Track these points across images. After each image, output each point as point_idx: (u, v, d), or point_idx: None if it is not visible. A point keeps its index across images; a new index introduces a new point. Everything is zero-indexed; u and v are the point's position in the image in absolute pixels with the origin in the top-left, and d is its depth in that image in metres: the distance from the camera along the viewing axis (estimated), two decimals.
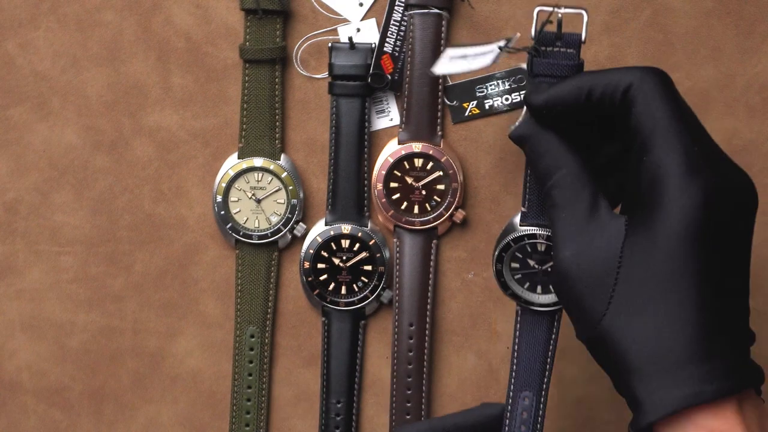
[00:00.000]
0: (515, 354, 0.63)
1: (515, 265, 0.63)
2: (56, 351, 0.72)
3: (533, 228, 0.62)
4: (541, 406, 0.63)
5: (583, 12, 0.58)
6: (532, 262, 0.63)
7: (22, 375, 0.72)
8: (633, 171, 0.54)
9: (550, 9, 0.58)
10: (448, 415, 0.62)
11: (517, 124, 0.58)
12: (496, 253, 0.63)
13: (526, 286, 0.63)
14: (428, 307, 0.70)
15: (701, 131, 0.55)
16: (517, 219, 0.62)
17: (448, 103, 0.70)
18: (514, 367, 0.63)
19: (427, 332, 0.70)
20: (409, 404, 0.71)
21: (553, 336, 0.63)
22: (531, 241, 0.62)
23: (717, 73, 0.70)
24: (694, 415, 0.51)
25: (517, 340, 0.63)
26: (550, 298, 0.62)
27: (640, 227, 0.53)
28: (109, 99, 0.71)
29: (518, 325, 0.63)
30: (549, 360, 0.63)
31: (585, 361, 0.71)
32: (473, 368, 0.71)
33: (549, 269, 0.62)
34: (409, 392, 0.71)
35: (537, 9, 0.58)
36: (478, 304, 0.71)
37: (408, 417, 0.71)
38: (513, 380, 0.63)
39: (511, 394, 0.63)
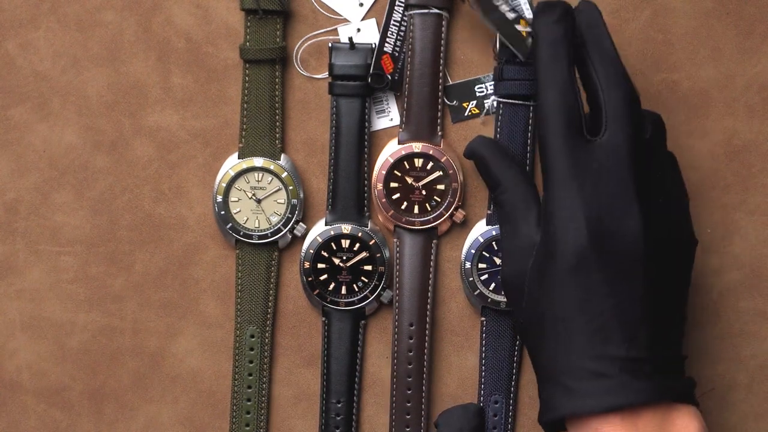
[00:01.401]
0: (483, 361, 0.70)
1: (482, 265, 0.69)
2: (56, 351, 0.72)
3: (498, 227, 0.68)
4: (511, 407, 0.70)
5: None
6: (498, 260, 0.69)
7: (22, 375, 0.72)
8: None
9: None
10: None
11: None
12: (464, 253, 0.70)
13: (491, 288, 0.69)
14: (428, 307, 0.70)
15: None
16: (482, 222, 0.70)
17: (448, 102, 0.70)
18: (483, 373, 0.70)
19: (427, 332, 0.70)
20: (409, 404, 0.71)
21: (518, 342, 0.70)
22: (497, 239, 0.68)
23: (717, 73, 0.70)
24: (584, 419, 0.57)
25: (483, 349, 0.70)
26: None
27: (542, 257, 0.60)
28: (110, 99, 0.71)
29: (484, 335, 0.70)
30: (515, 364, 0.70)
31: None
32: (473, 368, 0.71)
33: None
34: (409, 392, 0.71)
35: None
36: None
37: (408, 417, 0.71)
38: (482, 385, 0.70)
39: (481, 398, 0.70)
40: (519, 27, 0.66)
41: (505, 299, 0.64)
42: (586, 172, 0.59)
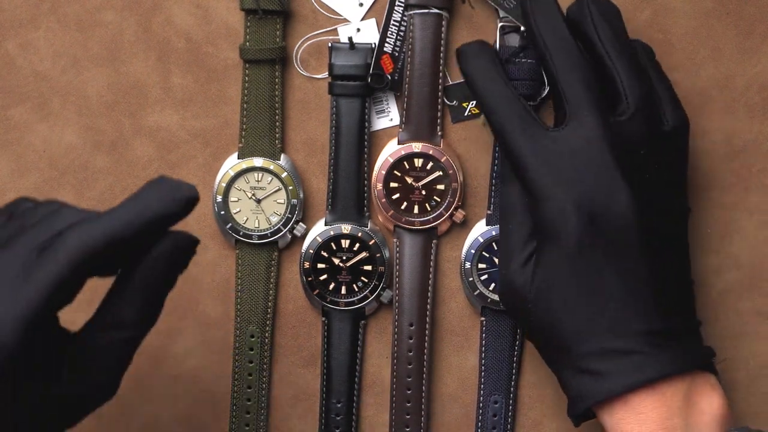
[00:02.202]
0: (482, 361, 0.70)
1: (482, 265, 0.69)
2: None
3: (497, 227, 0.68)
4: (511, 407, 0.70)
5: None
6: (497, 260, 0.69)
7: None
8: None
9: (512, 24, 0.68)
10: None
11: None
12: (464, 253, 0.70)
13: (491, 288, 0.69)
14: (428, 307, 0.70)
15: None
16: (482, 223, 0.70)
17: (448, 103, 0.70)
18: (483, 373, 0.71)
19: (427, 332, 0.70)
20: (409, 404, 0.71)
21: (518, 342, 0.70)
22: (497, 239, 0.68)
23: (717, 73, 0.70)
24: (611, 402, 0.58)
25: (483, 348, 0.70)
26: None
27: (541, 253, 0.60)
28: (110, 99, 0.71)
29: (484, 335, 0.70)
30: (515, 364, 0.70)
31: None
32: (473, 368, 0.71)
33: None
34: (409, 392, 0.71)
35: (500, 24, 0.68)
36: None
37: (408, 417, 0.71)
38: (482, 385, 0.70)
39: (481, 398, 0.70)
40: None
41: (504, 306, 0.64)
42: (563, 159, 0.59)
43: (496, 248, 0.69)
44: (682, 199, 0.63)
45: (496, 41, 0.69)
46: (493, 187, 0.70)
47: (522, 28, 0.67)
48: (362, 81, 0.69)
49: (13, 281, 0.51)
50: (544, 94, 0.68)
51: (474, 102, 0.70)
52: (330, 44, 0.69)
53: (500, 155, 0.66)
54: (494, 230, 0.69)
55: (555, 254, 0.59)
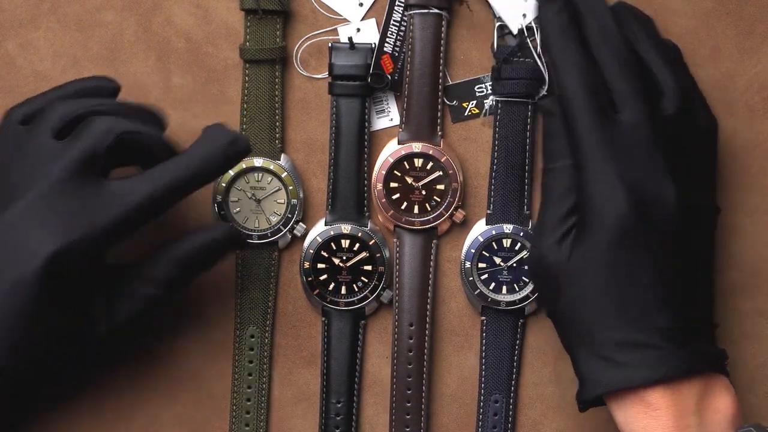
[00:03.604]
0: (483, 361, 0.70)
1: (482, 265, 0.69)
2: None
3: (498, 227, 0.69)
4: (511, 407, 0.70)
5: (533, 23, 0.67)
6: (498, 260, 0.69)
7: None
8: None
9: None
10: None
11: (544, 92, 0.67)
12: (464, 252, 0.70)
13: (491, 287, 0.69)
14: (428, 307, 0.70)
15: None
16: (482, 222, 0.70)
17: (448, 103, 0.70)
18: (483, 372, 0.71)
19: (427, 332, 0.70)
20: (409, 404, 0.71)
21: (518, 341, 0.70)
22: (497, 239, 0.69)
23: (717, 73, 0.70)
24: (627, 391, 0.58)
25: (483, 348, 0.70)
26: (515, 296, 0.69)
27: (579, 236, 0.60)
28: None
29: (484, 335, 0.70)
30: (515, 363, 0.70)
31: None
32: (473, 368, 0.71)
33: (514, 266, 0.69)
34: (409, 392, 0.71)
35: (497, 24, 0.69)
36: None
37: (408, 417, 0.71)
38: (482, 385, 0.70)
39: (481, 398, 0.70)
40: None
41: (532, 280, 0.65)
42: (618, 145, 0.59)
43: (496, 248, 0.69)
44: (712, 199, 0.64)
45: (494, 41, 0.69)
46: (494, 186, 0.70)
47: (517, 29, 0.68)
48: (362, 81, 0.69)
49: (73, 215, 0.58)
50: (542, 93, 0.68)
51: (474, 102, 0.70)
52: (330, 44, 0.69)
53: (548, 133, 0.65)
54: (494, 230, 0.69)
55: (597, 236, 0.59)
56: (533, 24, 0.68)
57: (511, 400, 0.70)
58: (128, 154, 0.63)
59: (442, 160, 0.69)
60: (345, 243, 0.70)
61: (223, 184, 0.70)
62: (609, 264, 0.59)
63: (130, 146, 0.62)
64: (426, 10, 0.68)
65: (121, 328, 0.63)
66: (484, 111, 0.70)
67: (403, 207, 0.70)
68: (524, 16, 0.68)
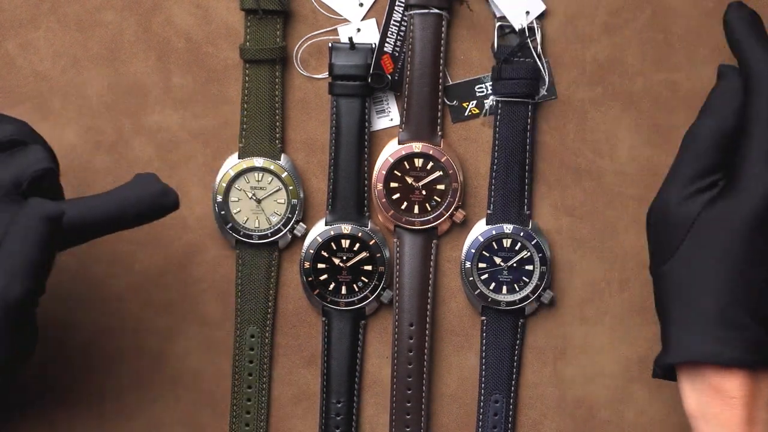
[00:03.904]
0: (483, 361, 0.70)
1: (482, 265, 0.69)
2: (56, 351, 0.72)
3: (498, 227, 0.69)
4: (511, 407, 0.70)
5: (535, 23, 0.68)
6: (498, 260, 0.69)
7: (23, 375, 0.72)
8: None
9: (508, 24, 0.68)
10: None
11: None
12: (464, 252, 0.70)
13: (491, 287, 0.69)
14: (428, 307, 0.70)
15: None
16: (482, 222, 0.70)
17: (448, 102, 0.70)
18: (483, 372, 0.71)
19: (427, 332, 0.70)
20: (409, 404, 0.71)
21: (518, 341, 0.70)
22: (497, 239, 0.69)
23: None
24: (707, 372, 0.58)
25: (483, 348, 0.71)
26: (515, 296, 0.70)
27: (719, 199, 0.58)
28: (109, 99, 0.71)
29: (484, 335, 0.70)
30: (516, 363, 0.70)
31: (585, 361, 0.71)
32: (473, 368, 0.71)
33: (514, 266, 0.69)
34: (409, 392, 0.71)
35: (497, 24, 0.69)
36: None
37: (408, 417, 0.71)
38: (482, 385, 0.71)
39: (481, 398, 0.70)
40: None
41: (650, 229, 0.61)
42: None
43: (496, 248, 0.69)
44: None
45: (494, 41, 0.69)
46: (494, 186, 0.70)
47: (519, 26, 0.68)
48: (362, 81, 0.69)
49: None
50: (542, 93, 0.68)
51: (474, 102, 0.70)
52: (330, 44, 0.69)
53: (718, 93, 0.62)
54: (494, 230, 0.69)
55: (740, 203, 0.57)
56: (535, 23, 0.68)
57: (511, 400, 0.71)
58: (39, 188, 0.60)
59: (442, 160, 0.69)
60: (345, 243, 0.70)
61: (224, 184, 0.70)
62: (742, 235, 0.57)
63: (50, 179, 0.60)
64: (426, 10, 0.69)
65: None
66: (484, 111, 0.70)
67: (403, 207, 0.70)
68: (527, 13, 0.68)
